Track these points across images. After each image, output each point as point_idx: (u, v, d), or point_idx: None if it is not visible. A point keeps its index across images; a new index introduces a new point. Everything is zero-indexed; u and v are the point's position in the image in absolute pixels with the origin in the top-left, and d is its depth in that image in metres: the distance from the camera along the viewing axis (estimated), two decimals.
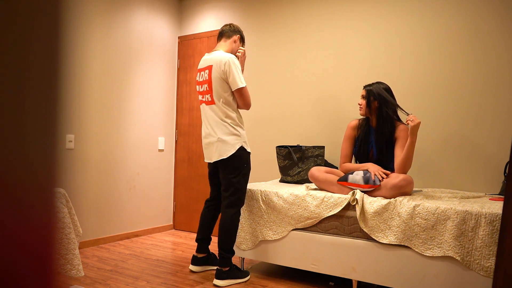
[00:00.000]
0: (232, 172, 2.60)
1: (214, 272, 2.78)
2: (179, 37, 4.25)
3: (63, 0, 0.35)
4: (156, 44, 4.01)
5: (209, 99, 2.63)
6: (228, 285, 2.58)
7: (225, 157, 2.57)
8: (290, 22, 3.55)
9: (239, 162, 2.60)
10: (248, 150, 2.65)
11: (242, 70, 2.71)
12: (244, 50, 2.75)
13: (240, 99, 2.57)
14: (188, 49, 4.17)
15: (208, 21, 4.06)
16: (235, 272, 2.63)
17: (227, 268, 2.60)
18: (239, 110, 2.68)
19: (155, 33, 3.99)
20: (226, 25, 2.76)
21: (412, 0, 2.99)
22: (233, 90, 2.55)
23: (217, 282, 2.57)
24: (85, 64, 3.38)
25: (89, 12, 3.39)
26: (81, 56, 3.35)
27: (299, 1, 3.50)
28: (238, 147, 2.57)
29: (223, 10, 3.94)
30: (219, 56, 2.57)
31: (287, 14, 3.57)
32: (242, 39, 2.77)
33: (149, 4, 3.92)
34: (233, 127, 2.58)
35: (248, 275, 2.70)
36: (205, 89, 2.66)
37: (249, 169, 2.69)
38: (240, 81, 2.52)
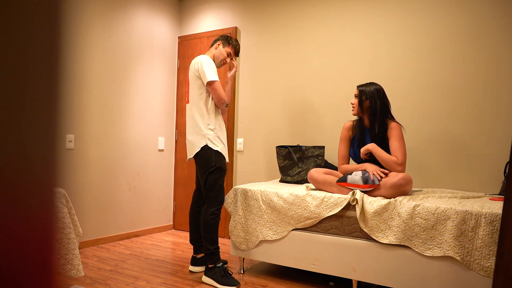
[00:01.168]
0: (199, 171, 2.69)
1: None
2: (179, 37, 4.25)
3: (63, 0, 0.35)
4: (156, 44, 4.01)
5: (186, 98, 2.80)
6: (208, 284, 2.61)
7: (191, 156, 2.71)
8: (290, 22, 3.55)
9: (204, 161, 2.64)
10: (216, 149, 2.64)
11: (233, 84, 2.86)
12: (235, 66, 2.86)
13: (212, 93, 2.65)
14: (188, 49, 4.17)
15: (208, 21, 4.06)
16: (216, 274, 2.57)
17: (210, 265, 2.62)
18: (215, 111, 2.71)
19: (155, 33, 4.00)
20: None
21: (412, 0, 2.99)
22: (205, 84, 2.64)
23: (203, 277, 2.67)
24: (85, 64, 3.38)
25: (89, 12, 3.39)
26: (81, 56, 3.35)
27: (299, 1, 3.50)
28: (202, 146, 2.63)
29: (223, 10, 3.94)
30: (196, 58, 2.75)
31: (287, 14, 3.57)
32: (225, 43, 2.81)
33: (149, 4, 3.92)
34: (200, 127, 2.65)
35: (233, 285, 2.53)
36: (186, 90, 2.85)
37: (219, 168, 2.65)
38: (210, 75, 2.61)
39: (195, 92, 2.69)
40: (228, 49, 2.81)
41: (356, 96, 2.65)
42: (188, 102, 2.76)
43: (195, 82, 2.69)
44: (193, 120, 2.69)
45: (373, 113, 2.58)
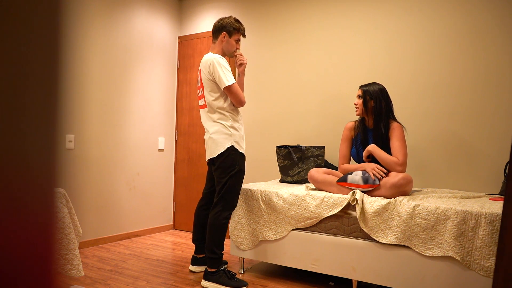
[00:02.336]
0: (221, 172, 2.56)
1: None
2: (179, 37, 4.25)
3: (63, 0, 0.35)
4: (156, 44, 4.01)
5: (203, 103, 2.65)
6: None
7: (214, 156, 2.56)
8: (290, 22, 3.55)
9: (228, 162, 2.53)
10: (241, 151, 2.56)
11: (242, 78, 2.68)
12: (243, 59, 2.65)
13: (231, 97, 2.52)
14: (188, 49, 4.17)
15: (208, 21, 4.06)
16: (222, 278, 2.51)
17: (212, 270, 2.54)
18: (235, 110, 2.60)
19: (155, 33, 4.00)
20: (215, 23, 2.68)
21: (412, 0, 2.99)
22: (222, 89, 2.51)
23: (202, 282, 2.58)
24: (85, 64, 3.38)
25: (89, 12, 3.39)
26: (81, 56, 3.35)
27: (299, 1, 3.50)
28: (227, 146, 2.52)
29: (223, 10, 3.94)
30: (206, 59, 2.59)
31: (287, 13, 3.57)
32: (232, 32, 2.62)
33: (149, 4, 3.92)
34: (225, 127, 2.53)
35: (243, 286, 2.52)
36: (200, 94, 2.69)
37: (241, 171, 2.58)
38: (226, 79, 2.47)
39: (212, 96, 2.55)
40: (236, 37, 2.64)
41: (359, 96, 2.63)
42: (206, 107, 2.60)
43: (209, 85, 2.55)
44: (214, 122, 2.56)
45: (378, 113, 2.56)
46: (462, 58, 2.81)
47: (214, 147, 2.55)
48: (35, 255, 0.34)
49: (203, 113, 2.66)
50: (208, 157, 2.63)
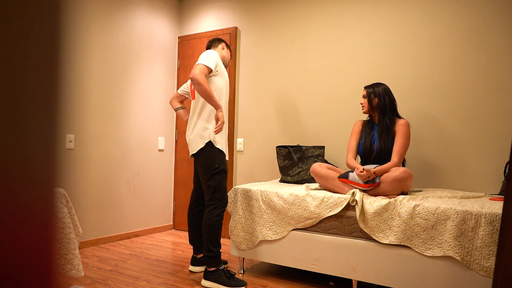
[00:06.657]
0: (203, 172, 2.62)
1: None
2: (179, 37, 4.25)
3: (63, 0, 0.35)
4: (156, 44, 4.01)
5: (192, 94, 2.75)
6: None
7: (194, 151, 2.63)
8: (290, 22, 3.55)
9: (208, 163, 2.58)
10: (218, 146, 2.60)
11: (213, 103, 2.50)
12: (220, 128, 2.51)
13: (193, 70, 2.45)
14: (188, 49, 4.17)
15: (208, 21, 4.06)
16: (221, 277, 2.53)
17: (211, 269, 2.56)
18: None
19: (155, 33, 3.99)
20: (209, 40, 2.89)
21: (412, 0, 2.99)
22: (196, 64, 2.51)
23: (202, 281, 2.59)
24: (85, 64, 3.38)
25: (89, 12, 3.39)
26: (81, 56, 3.35)
27: (299, 1, 3.50)
28: (206, 141, 2.58)
29: (223, 10, 3.94)
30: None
31: (287, 14, 3.56)
32: (227, 47, 2.87)
33: (149, 4, 3.92)
34: (204, 121, 2.61)
35: (242, 285, 2.53)
36: (190, 83, 2.79)
37: (223, 170, 2.61)
38: (205, 60, 2.49)
39: None
40: (229, 52, 2.87)
41: (364, 96, 2.72)
42: (194, 98, 2.71)
43: None
44: (198, 115, 2.64)
45: (383, 109, 2.64)
46: (463, 58, 2.81)
47: (194, 143, 2.63)
48: (35, 255, 0.34)
49: (192, 103, 2.75)
50: (190, 154, 2.71)
